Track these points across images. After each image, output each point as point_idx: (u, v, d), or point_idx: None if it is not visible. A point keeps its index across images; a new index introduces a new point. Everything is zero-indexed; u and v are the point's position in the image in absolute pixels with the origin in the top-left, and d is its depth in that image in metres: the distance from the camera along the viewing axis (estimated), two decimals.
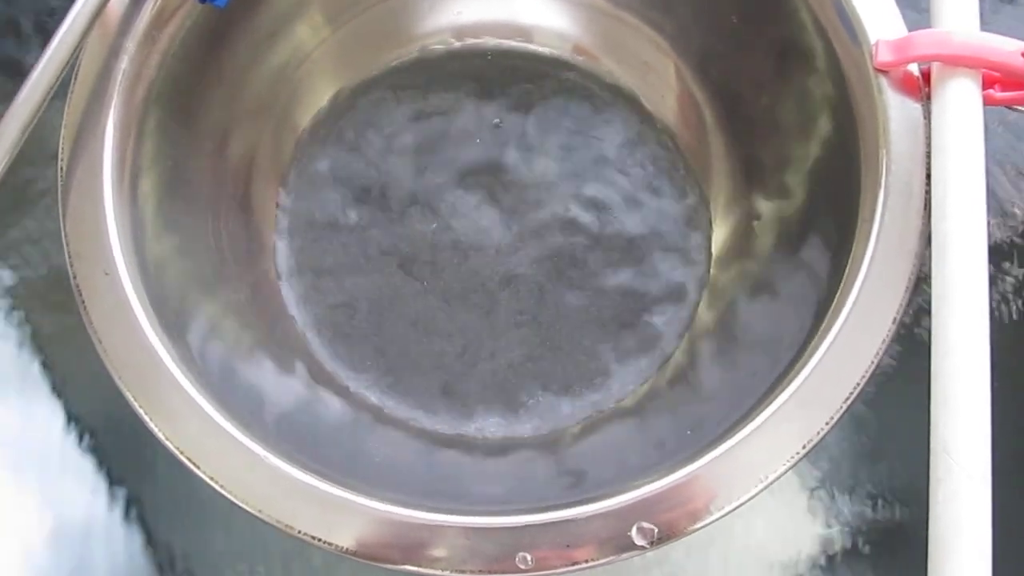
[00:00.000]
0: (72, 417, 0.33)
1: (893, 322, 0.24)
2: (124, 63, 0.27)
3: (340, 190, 0.34)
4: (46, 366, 0.34)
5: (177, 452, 0.24)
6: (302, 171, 0.34)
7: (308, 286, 0.33)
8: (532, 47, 0.35)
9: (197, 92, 0.30)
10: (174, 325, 0.26)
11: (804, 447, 0.23)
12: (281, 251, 0.33)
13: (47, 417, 0.33)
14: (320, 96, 0.35)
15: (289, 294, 0.32)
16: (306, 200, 0.34)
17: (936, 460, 0.21)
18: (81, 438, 0.32)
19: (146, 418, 0.24)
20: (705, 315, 0.32)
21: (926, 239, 0.24)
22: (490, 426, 0.30)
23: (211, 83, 0.30)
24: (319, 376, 0.31)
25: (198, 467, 0.23)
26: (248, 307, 0.30)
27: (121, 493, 0.32)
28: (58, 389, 0.33)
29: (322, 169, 0.34)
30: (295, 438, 0.27)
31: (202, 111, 0.30)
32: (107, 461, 0.32)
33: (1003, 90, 0.25)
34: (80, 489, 0.32)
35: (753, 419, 0.23)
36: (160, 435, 0.24)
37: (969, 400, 0.21)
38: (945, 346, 0.22)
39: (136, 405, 0.24)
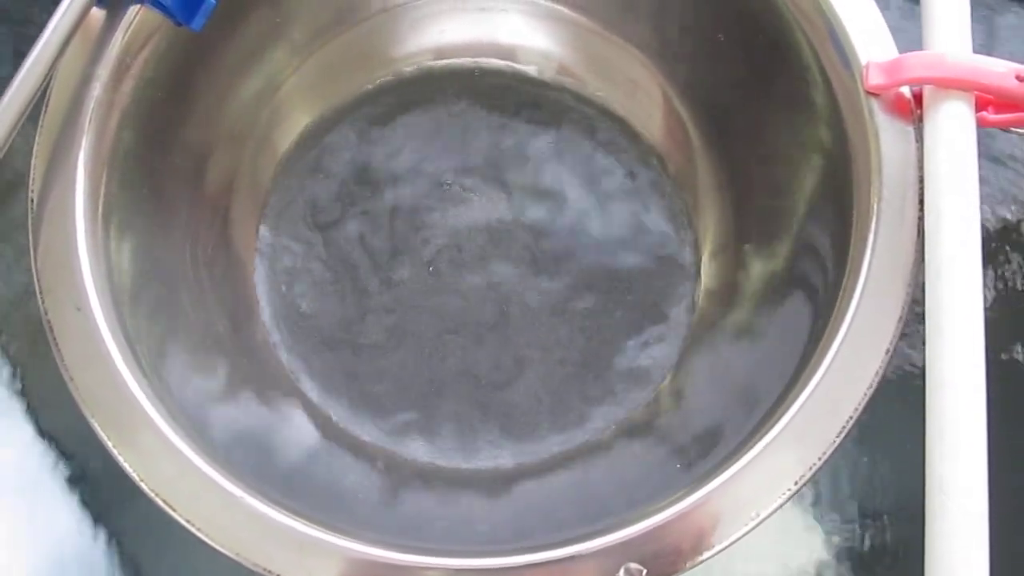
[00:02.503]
0: (53, 445, 0.32)
1: (886, 353, 0.23)
2: (97, 90, 0.26)
3: (323, 216, 0.33)
4: (24, 393, 0.33)
5: (152, 494, 0.23)
6: (283, 196, 0.33)
7: (291, 314, 0.32)
8: (517, 67, 0.35)
9: (173, 118, 0.29)
10: (149, 361, 0.25)
11: (796, 483, 0.22)
12: (262, 279, 0.32)
13: (28, 445, 0.32)
14: (301, 120, 0.34)
15: (271, 322, 0.32)
16: (288, 226, 0.33)
17: (932, 495, 0.21)
18: (62, 466, 0.32)
19: (120, 459, 0.23)
20: (694, 346, 0.31)
21: (920, 268, 0.23)
22: (472, 459, 0.30)
23: (187, 108, 0.30)
24: (303, 409, 0.30)
25: (174, 509, 0.23)
26: (228, 338, 0.30)
27: (102, 522, 0.31)
28: (37, 416, 0.32)
29: (304, 194, 0.33)
30: (276, 476, 0.26)
31: (178, 137, 0.29)
32: (88, 489, 0.31)
33: (997, 112, 0.24)
34: (61, 519, 0.31)
35: (745, 454, 0.23)
36: (134, 476, 0.23)
37: (965, 434, 0.21)
38: (940, 379, 0.21)
39: (110, 445, 0.23)
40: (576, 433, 0.30)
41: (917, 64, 0.24)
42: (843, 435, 0.23)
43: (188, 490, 0.23)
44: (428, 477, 0.29)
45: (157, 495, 0.23)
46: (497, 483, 0.29)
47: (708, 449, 0.25)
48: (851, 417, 0.23)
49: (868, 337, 0.23)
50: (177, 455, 0.23)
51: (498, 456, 0.30)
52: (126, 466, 0.23)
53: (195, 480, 0.23)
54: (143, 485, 0.23)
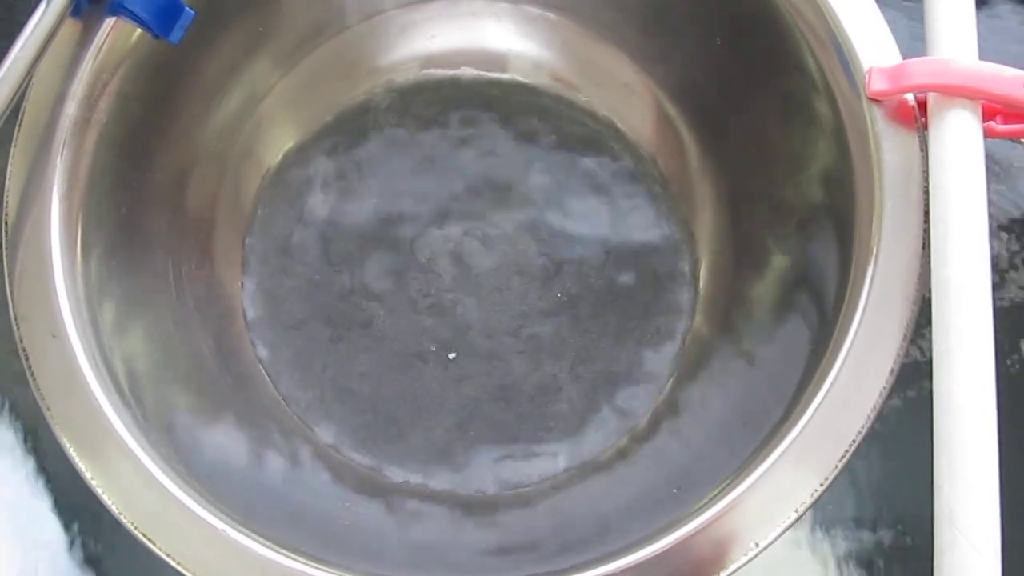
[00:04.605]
0: (41, 473, 0.31)
1: (891, 373, 0.22)
2: (71, 108, 0.26)
3: (310, 232, 0.32)
4: (13, 414, 0.32)
5: (131, 527, 0.22)
6: (269, 212, 0.32)
7: (278, 333, 0.31)
8: (507, 75, 0.34)
9: (152, 134, 0.28)
10: (129, 386, 0.25)
11: (798, 510, 0.22)
12: (248, 297, 0.31)
13: (13, 472, 0.31)
14: (285, 134, 0.33)
15: (259, 343, 0.31)
16: (274, 243, 0.32)
17: (940, 529, 0.20)
18: (48, 491, 0.31)
19: (98, 491, 0.23)
20: (691, 361, 0.30)
21: (925, 284, 0.22)
22: (465, 481, 0.29)
23: (167, 124, 0.29)
24: (290, 433, 0.29)
25: (153, 543, 0.22)
26: (212, 361, 0.29)
27: (87, 550, 0.30)
28: (25, 443, 0.32)
29: (291, 211, 0.32)
30: (263, 506, 0.25)
31: (158, 153, 0.28)
32: (74, 520, 0.31)
33: (1005, 122, 0.23)
34: (46, 545, 0.30)
35: (744, 479, 0.22)
36: (113, 508, 0.22)
37: (975, 464, 0.20)
38: (948, 405, 0.20)
39: (88, 477, 0.23)
40: (566, 455, 0.29)
41: (921, 70, 0.23)
42: (846, 459, 0.22)
43: (169, 523, 0.22)
44: (421, 500, 0.28)
45: (136, 528, 0.22)
46: (482, 508, 0.28)
47: (705, 473, 0.24)
48: (854, 441, 0.22)
49: (871, 357, 0.22)
50: (157, 487, 0.22)
51: (484, 482, 0.29)
52: (105, 498, 0.22)
53: (176, 512, 0.22)
54: (122, 518, 0.22)
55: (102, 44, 0.26)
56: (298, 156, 0.33)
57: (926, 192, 0.23)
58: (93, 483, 0.23)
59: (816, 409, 0.22)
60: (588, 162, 0.33)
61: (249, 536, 0.22)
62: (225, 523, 0.22)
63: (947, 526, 0.19)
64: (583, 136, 0.33)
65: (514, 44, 0.34)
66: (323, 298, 0.31)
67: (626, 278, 0.31)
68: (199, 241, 0.30)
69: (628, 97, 0.33)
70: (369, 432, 0.30)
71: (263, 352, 0.31)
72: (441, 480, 0.29)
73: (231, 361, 0.30)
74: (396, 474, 0.29)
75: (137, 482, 0.23)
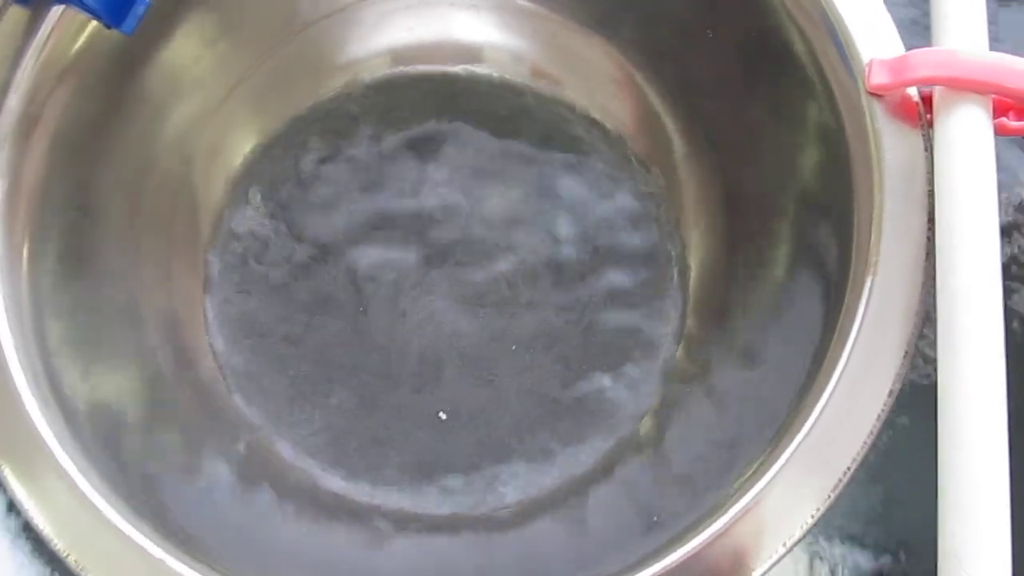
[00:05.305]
0: None
1: (889, 394, 0.20)
2: (13, 101, 0.24)
3: (275, 241, 0.30)
4: None
5: (63, 554, 0.21)
6: (232, 220, 0.30)
7: (240, 349, 0.29)
8: (487, 70, 0.32)
9: (108, 132, 0.27)
10: (73, 404, 0.23)
11: (785, 544, 0.20)
12: (210, 310, 0.29)
13: None
14: (252, 132, 0.31)
15: (220, 357, 0.29)
16: (238, 252, 0.30)
17: (945, 566, 0.18)
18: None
19: (29, 513, 0.21)
20: (678, 378, 0.28)
21: (930, 295, 0.21)
22: (430, 504, 0.27)
23: (124, 122, 0.27)
24: (248, 452, 0.27)
25: (85, 571, 0.20)
26: (169, 371, 0.27)
27: None
28: None
29: (254, 218, 0.30)
30: (214, 532, 0.23)
31: (113, 153, 0.27)
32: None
33: (1018, 118, 0.21)
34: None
35: (729, 509, 0.20)
36: (43, 531, 0.21)
37: (984, 495, 0.18)
38: (955, 428, 0.18)
39: (19, 498, 0.21)
40: (545, 475, 0.27)
41: (926, 62, 0.21)
42: (840, 488, 0.20)
43: (104, 550, 0.21)
44: (390, 522, 0.27)
45: (68, 555, 0.21)
46: (450, 529, 0.26)
47: (688, 502, 0.22)
48: (848, 468, 0.20)
49: (869, 376, 0.20)
50: (92, 510, 0.21)
51: (459, 502, 0.27)
52: (36, 521, 0.21)
53: (111, 539, 0.21)
54: (54, 544, 0.21)
55: (49, 34, 0.25)
56: (265, 157, 0.30)
57: (931, 195, 0.21)
58: (24, 505, 0.21)
59: (809, 432, 0.20)
60: (572, 161, 0.31)
61: (191, 566, 0.20)
62: (166, 551, 0.21)
63: (952, 563, 0.18)
64: (566, 134, 0.31)
65: (494, 37, 0.32)
66: (289, 312, 0.29)
67: (611, 287, 0.29)
68: (157, 247, 0.28)
69: (615, 93, 0.31)
70: (330, 452, 0.28)
71: (224, 365, 0.29)
72: (406, 501, 0.27)
73: (190, 374, 0.28)
74: (360, 495, 0.27)
75: (71, 505, 0.21)
